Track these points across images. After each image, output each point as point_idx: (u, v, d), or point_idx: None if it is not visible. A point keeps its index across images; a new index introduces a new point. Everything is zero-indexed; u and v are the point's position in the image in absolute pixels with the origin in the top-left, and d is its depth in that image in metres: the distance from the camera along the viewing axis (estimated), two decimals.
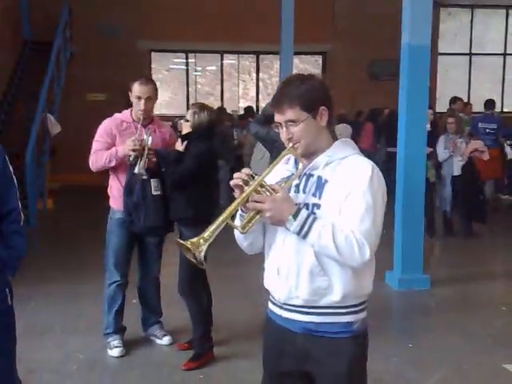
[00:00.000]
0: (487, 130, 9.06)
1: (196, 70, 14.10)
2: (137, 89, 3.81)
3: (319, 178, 1.92)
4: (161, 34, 12.31)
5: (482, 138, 8.43)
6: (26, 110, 9.46)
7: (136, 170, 3.70)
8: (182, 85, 13.80)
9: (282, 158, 1.98)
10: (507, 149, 9.72)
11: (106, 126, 3.91)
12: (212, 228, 1.84)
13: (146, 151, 3.71)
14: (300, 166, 1.96)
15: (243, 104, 13.11)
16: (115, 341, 3.98)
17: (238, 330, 4.37)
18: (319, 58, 14.16)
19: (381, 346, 3.94)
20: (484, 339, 4.34)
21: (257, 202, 1.84)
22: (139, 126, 3.84)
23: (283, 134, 1.95)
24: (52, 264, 6.16)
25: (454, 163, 7.25)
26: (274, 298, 2.04)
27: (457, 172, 7.25)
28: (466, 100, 11.63)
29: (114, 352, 3.95)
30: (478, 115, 9.96)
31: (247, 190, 1.86)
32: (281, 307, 2.01)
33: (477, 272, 6.07)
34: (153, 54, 13.35)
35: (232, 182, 1.89)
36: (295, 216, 1.83)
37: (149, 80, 3.92)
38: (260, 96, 14.19)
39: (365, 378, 2.04)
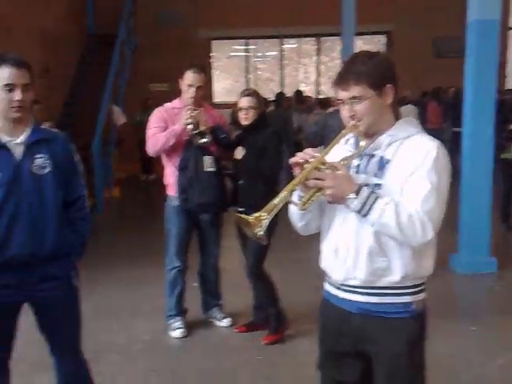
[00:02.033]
0: None
1: (256, 56, 14.11)
2: (189, 77, 3.87)
3: (381, 158, 1.88)
4: (220, 22, 12.40)
5: None
6: (92, 102, 9.78)
7: (196, 131, 3.79)
8: (242, 72, 13.86)
9: (343, 136, 1.94)
10: None
11: (157, 114, 4.00)
12: (274, 202, 1.83)
13: (203, 117, 3.81)
14: (361, 144, 1.92)
15: (304, 88, 13.01)
16: (177, 322, 4.10)
17: (297, 312, 4.37)
18: (382, 38, 13.82)
19: (443, 329, 3.85)
20: None
21: (317, 179, 1.82)
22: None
23: (345, 112, 1.90)
24: (117, 250, 6.39)
25: None
26: (330, 278, 2.03)
27: None
28: None
29: (176, 333, 4.07)
30: None
31: (308, 167, 1.83)
32: (338, 288, 2.00)
33: None
34: (213, 42, 13.46)
35: (292, 160, 1.87)
36: (357, 194, 1.80)
37: (201, 69, 3.95)
38: (321, 79, 14.04)
39: (423, 359, 2.00)
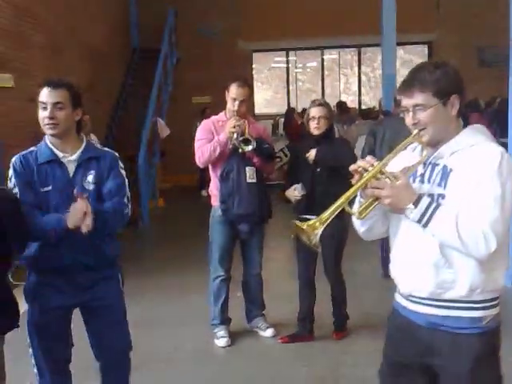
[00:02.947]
0: None
1: (297, 68, 14.18)
2: (233, 91, 3.95)
3: (444, 167, 1.85)
4: (261, 34, 12.52)
5: None
6: (137, 115, 10.02)
7: (241, 138, 3.84)
8: (283, 83, 13.94)
9: (406, 144, 1.91)
10: None
11: (204, 126, 4.11)
12: (329, 211, 1.83)
13: (247, 127, 3.88)
14: (424, 153, 1.90)
15: (345, 99, 13.00)
16: (221, 331, 4.15)
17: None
18: (425, 48, 13.69)
19: (502, 347, 3.75)
20: None
21: (376, 188, 1.82)
22: None
23: (409, 119, 1.88)
24: (163, 258, 6.51)
25: None
26: (399, 289, 2.02)
27: None
28: None
29: (221, 342, 4.12)
30: None
31: (366, 175, 1.82)
32: (406, 299, 1.98)
33: None
34: (254, 54, 13.60)
35: (351, 167, 1.86)
36: (416, 204, 1.77)
37: (245, 83, 4.05)
38: (363, 89, 13.98)
39: (494, 376, 1.91)
